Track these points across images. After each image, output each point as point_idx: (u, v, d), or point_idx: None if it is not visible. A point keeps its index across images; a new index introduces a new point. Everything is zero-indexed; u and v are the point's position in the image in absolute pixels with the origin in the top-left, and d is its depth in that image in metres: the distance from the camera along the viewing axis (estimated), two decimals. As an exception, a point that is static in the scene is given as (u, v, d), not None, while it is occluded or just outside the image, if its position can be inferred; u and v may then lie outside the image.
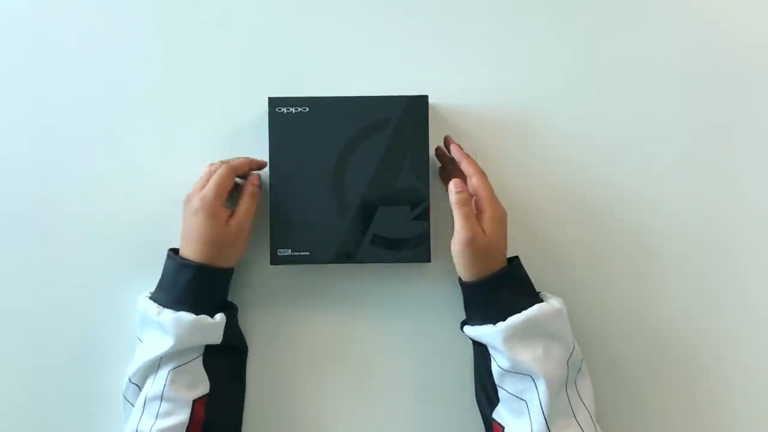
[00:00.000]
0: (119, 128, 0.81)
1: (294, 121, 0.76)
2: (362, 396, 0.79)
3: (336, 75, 0.81)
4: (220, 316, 0.73)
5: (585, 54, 0.82)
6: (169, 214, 0.77)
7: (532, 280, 0.74)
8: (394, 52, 0.81)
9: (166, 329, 0.71)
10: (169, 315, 0.71)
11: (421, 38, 0.82)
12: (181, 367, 0.71)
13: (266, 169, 0.78)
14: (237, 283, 0.78)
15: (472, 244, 0.71)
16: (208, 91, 0.81)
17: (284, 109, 0.76)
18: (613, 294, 0.80)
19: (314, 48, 0.81)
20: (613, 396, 0.79)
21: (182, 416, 0.70)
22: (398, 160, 0.76)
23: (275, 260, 0.76)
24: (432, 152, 0.79)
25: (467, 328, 0.74)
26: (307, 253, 0.76)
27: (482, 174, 0.74)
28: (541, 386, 0.68)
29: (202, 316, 0.72)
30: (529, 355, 0.69)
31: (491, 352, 0.72)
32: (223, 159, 0.77)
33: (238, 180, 0.77)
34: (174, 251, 0.74)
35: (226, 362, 0.75)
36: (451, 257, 0.73)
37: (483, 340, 0.72)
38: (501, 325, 0.70)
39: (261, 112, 0.78)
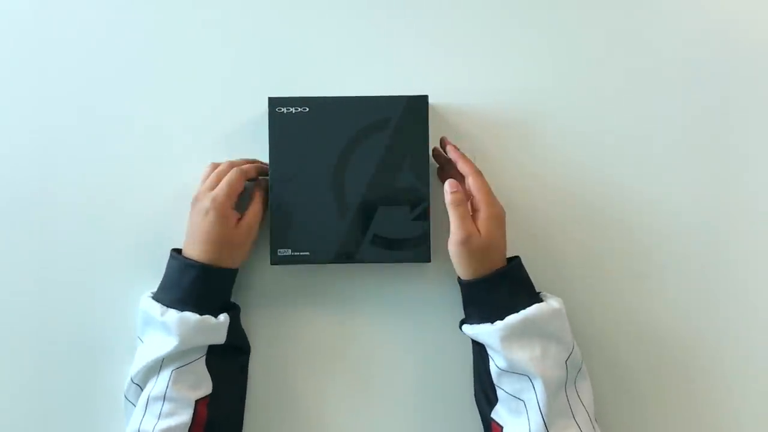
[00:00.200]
0: (119, 128, 0.81)
1: (294, 121, 0.76)
2: (362, 395, 0.80)
3: (336, 75, 0.81)
4: (224, 317, 0.74)
5: (585, 54, 0.82)
6: (169, 214, 0.77)
7: (532, 280, 0.74)
8: (394, 52, 0.81)
9: (170, 329, 0.71)
10: (173, 315, 0.71)
11: (421, 38, 0.81)
12: (184, 368, 0.72)
13: (266, 169, 0.78)
14: (237, 283, 0.78)
15: (467, 244, 0.71)
16: (208, 91, 0.81)
17: (284, 109, 0.76)
18: (613, 294, 0.80)
19: (314, 48, 0.81)
20: (613, 396, 0.79)
21: (185, 416, 0.70)
22: (398, 160, 0.76)
23: (275, 260, 0.76)
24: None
25: (466, 327, 0.74)
26: (307, 253, 0.76)
27: (479, 174, 0.74)
28: (539, 386, 0.69)
29: (207, 316, 0.72)
30: (526, 355, 0.69)
31: (489, 351, 0.72)
32: (227, 159, 0.77)
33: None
34: (177, 251, 0.75)
35: (229, 362, 0.75)
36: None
37: (481, 340, 0.72)
38: (499, 324, 0.70)
39: (261, 112, 0.78)
